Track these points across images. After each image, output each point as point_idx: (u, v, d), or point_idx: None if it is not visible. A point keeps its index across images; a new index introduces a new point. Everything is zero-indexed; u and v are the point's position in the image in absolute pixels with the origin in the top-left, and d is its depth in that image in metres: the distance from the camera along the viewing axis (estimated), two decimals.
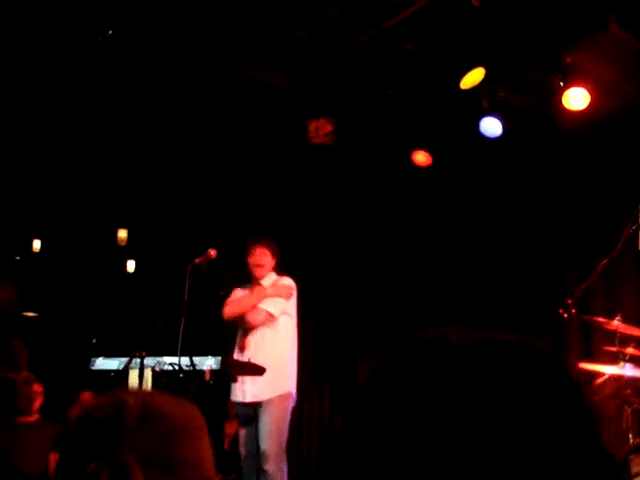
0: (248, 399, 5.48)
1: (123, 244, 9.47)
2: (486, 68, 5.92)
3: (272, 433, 5.39)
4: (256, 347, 5.57)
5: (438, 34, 5.81)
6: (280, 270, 5.88)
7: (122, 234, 9.44)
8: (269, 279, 5.78)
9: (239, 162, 7.66)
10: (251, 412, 5.51)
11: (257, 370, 4.98)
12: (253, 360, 5.30)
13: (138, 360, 4.48)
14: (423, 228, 7.56)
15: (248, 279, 5.88)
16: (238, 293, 5.82)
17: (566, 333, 6.40)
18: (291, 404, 5.60)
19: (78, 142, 7.52)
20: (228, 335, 6.02)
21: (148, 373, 4.50)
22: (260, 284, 5.74)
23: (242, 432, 5.66)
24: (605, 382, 5.50)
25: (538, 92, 6.27)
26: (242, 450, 5.62)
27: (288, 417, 5.56)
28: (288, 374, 5.57)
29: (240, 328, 5.74)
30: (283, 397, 5.49)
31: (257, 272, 5.73)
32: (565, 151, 6.69)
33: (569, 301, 5.03)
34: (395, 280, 7.68)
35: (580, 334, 6.42)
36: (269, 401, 5.43)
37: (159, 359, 4.62)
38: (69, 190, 8.41)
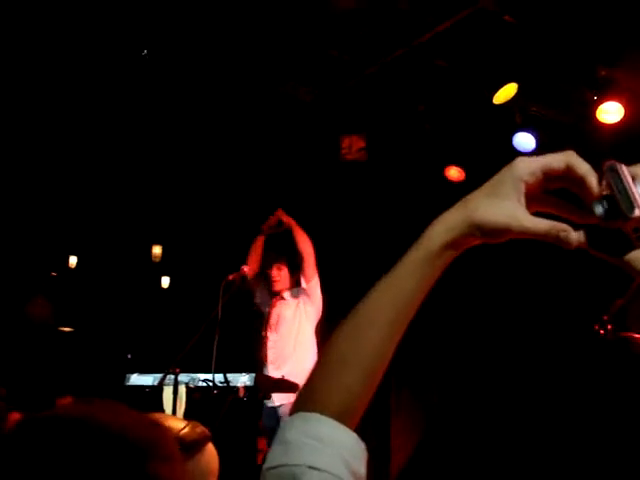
0: (277, 402, 5.50)
1: (157, 260, 9.53)
2: (519, 83, 5.89)
3: None
4: (287, 357, 5.66)
5: (471, 50, 5.81)
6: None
7: (156, 250, 9.51)
8: (291, 293, 5.90)
9: (273, 179, 7.69)
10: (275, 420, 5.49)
11: (291, 387, 4.98)
12: (283, 368, 5.39)
13: (172, 376, 4.51)
14: None
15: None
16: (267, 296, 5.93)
17: (602, 350, 6.32)
18: None
19: (114, 160, 7.61)
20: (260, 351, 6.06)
21: (182, 389, 4.52)
22: (282, 297, 5.87)
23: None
24: None
25: (572, 106, 6.23)
26: None
27: None
28: None
29: (267, 336, 5.81)
30: None
31: (274, 287, 5.89)
32: (600, 165, 6.62)
33: (605, 317, 4.98)
34: (429, 301, 7.61)
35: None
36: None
37: (193, 375, 4.65)
38: (105, 207, 8.50)
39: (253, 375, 4.66)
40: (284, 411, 5.47)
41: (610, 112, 5.86)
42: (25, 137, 7.07)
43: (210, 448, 1.94)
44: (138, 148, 7.44)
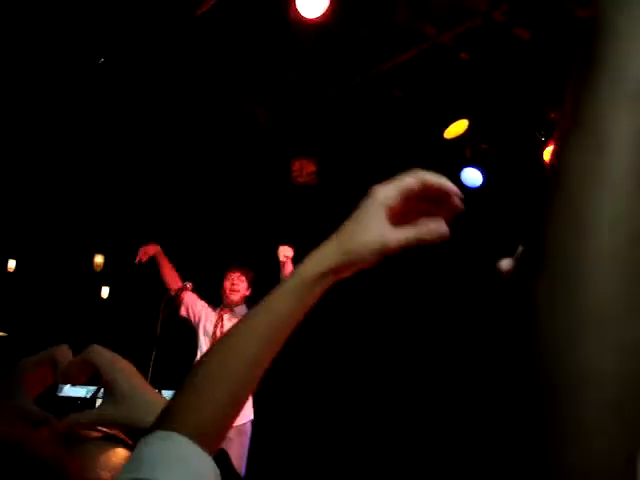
0: None
1: (99, 269, 9.43)
2: (470, 120, 6.00)
3: (243, 462, 5.30)
4: None
5: (426, 83, 5.90)
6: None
7: (98, 259, 9.42)
8: (241, 308, 5.74)
9: (221, 195, 7.68)
10: None
11: None
12: None
13: None
14: (405, 275, 7.58)
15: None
16: (205, 309, 5.77)
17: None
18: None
19: (59, 165, 7.52)
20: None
21: None
22: (232, 310, 5.69)
23: None
24: None
25: (520, 146, 6.36)
26: None
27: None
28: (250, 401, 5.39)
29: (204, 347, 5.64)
30: (247, 426, 5.39)
31: (232, 296, 5.64)
32: None
33: None
34: (391, 323, 7.66)
35: None
36: (236, 429, 5.27)
37: None
38: (48, 212, 8.39)
39: None
40: (238, 436, 5.31)
41: None
42: None
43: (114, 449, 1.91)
44: (88, 156, 7.37)
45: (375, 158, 6.70)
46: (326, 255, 0.99)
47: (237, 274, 5.74)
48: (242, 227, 7.74)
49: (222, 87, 6.25)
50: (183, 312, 5.75)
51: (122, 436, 1.94)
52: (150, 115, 6.68)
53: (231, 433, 5.25)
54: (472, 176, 6.41)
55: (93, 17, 5.35)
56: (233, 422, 0.98)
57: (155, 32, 5.48)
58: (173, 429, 0.91)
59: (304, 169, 6.77)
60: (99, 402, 3.90)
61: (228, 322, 5.62)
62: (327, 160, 6.94)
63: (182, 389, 0.97)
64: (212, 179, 7.52)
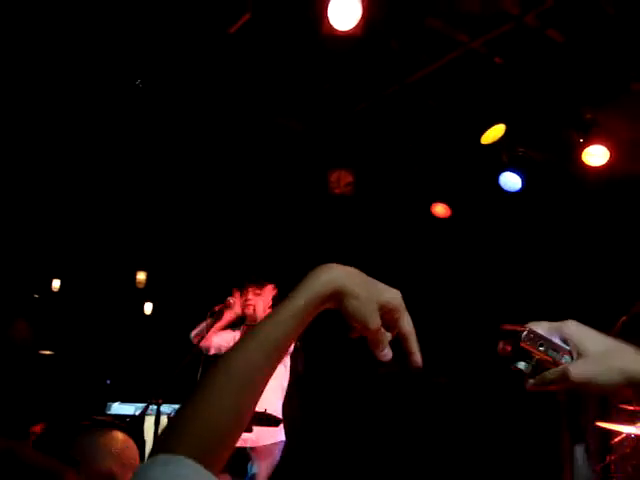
0: (248, 444, 5.24)
1: (141, 286, 9.53)
2: (507, 124, 5.97)
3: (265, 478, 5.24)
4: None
5: (460, 90, 5.88)
6: None
7: (141, 276, 9.51)
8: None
9: (260, 208, 7.71)
10: (242, 457, 5.32)
11: (273, 421, 4.92)
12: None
13: (154, 407, 4.47)
14: (441, 279, 7.55)
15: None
16: (226, 335, 5.71)
17: None
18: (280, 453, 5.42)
19: (101, 185, 7.62)
20: None
21: (164, 420, 4.49)
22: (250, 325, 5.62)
23: None
24: (622, 441, 5.45)
25: (558, 148, 6.31)
26: None
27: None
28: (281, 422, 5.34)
29: None
30: (278, 445, 5.34)
31: (246, 310, 5.55)
32: (584, 206, 6.70)
33: None
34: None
35: None
36: (266, 447, 5.26)
37: (175, 407, 4.60)
38: (90, 231, 8.49)
39: None
40: (264, 453, 5.29)
41: (595, 155, 5.93)
42: (9, 160, 7.06)
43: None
44: (127, 175, 7.45)
45: (412, 167, 6.68)
46: (331, 282, 1.05)
47: (252, 287, 5.64)
48: (283, 239, 7.77)
49: (257, 102, 6.28)
50: (213, 352, 5.59)
51: (115, 421, 2.06)
52: (186, 131, 6.74)
53: (260, 452, 5.26)
54: (511, 180, 6.36)
55: (128, 37, 5.43)
56: (237, 438, 0.99)
57: (190, 51, 5.54)
58: (175, 451, 0.92)
59: (341, 180, 6.78)
60: (148, 420, 3.94)
61: None
62: (363, 170, 6.94)
63: (183, 410, 0.98)
64: (251, 191, 7.56)
